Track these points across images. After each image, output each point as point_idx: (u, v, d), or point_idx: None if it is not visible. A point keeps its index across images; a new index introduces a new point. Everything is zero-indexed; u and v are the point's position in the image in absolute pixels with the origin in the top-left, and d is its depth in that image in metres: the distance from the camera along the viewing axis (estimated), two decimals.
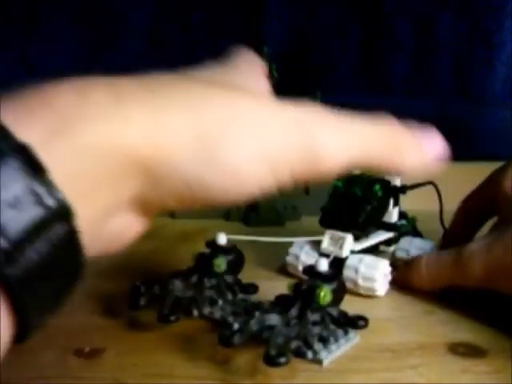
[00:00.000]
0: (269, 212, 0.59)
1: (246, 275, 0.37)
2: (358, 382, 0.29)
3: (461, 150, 0.68)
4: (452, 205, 0.44)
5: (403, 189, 0.43)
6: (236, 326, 0.29)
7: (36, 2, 0.60)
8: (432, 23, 0.63)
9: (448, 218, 0.44)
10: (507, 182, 0.38)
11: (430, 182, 0.43)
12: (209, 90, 0.23)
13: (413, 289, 0.39)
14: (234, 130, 0.22)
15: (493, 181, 0.40)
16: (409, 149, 0.28)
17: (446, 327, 0.34)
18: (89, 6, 0.61)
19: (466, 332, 0.33)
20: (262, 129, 0.23)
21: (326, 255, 0.37)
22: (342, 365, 0.30)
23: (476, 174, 0.40)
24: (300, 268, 0.40)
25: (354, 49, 0.64)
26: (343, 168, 0.25)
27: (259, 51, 0.61)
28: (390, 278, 0.39)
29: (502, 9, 0.62)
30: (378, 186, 0.41)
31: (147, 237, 0.27)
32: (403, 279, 0.39)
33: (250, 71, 0.28)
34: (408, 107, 0.65)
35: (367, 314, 0.36)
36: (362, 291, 0.38)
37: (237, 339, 0.28)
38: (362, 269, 0.38)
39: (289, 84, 0.63)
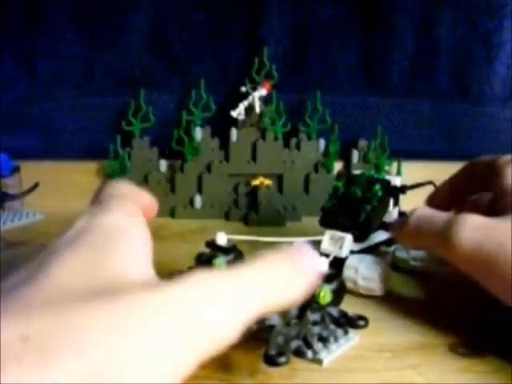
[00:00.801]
0: (269, 212, 0.59)
1: None
2: (358, 381, 0.29)
3: (461, 150, 0.69)
4: None
5: (403, 189, 0.43)
6: None
7: (36, 2, 0.60)
8: (432, 23, 0.63)
9: None
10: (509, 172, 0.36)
11: (430, 182, 0.43)
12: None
13: (399, 241, 0.38)
14: (126, 359, 0.19)
15: (496, 167, 0.38)
16: (298, 278, 0.26)
17: (446, 327, 0.34)
18: (89, 5, 0.61)
19: (465, 332, 0.33)
20: (140, 336, 0.20)
21: (326, 255, 0.38)
22: (342, 365, 0.30)
23: None
24: None
25: (354, 49, 0.63)
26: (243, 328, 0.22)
27: (259, 51, 0.61)
28: (389, 277, 0.40)
29: (502, 9, 0.62)
30: (378, 186, 0.41)
31: None
32: (393, 228, 0.39)
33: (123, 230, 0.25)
34: (408, 107, 0.66)
35: (367, 314, 0.36)
36: (361, 291, 0.38)
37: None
38: (362, 269, 0.38)
39: (289, 84, 0.64)
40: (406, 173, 0.62)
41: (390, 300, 0.39)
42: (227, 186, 0.61)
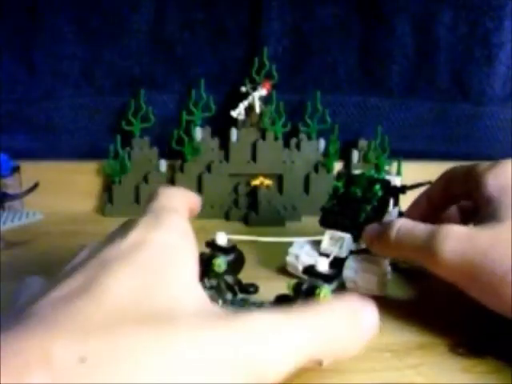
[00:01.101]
0: (269, 212, 0.59)
1: (247, 275, 0.37)
2: (358, 381, 0.29)
3: (461, 150, 0.69)
4: None
5: (403, 189, 0.43)
6: None
7: (36, 2, 0.60)
8: (432, 23, 0.63)
9: None
10: (492, 180, 0.35)
11: (430, 182, 0.43)
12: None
13: (376, 252, 0.37)
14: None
15: (474, 175, 0.37)
16: (357, 333, 0.26)
17: (446, 327, 0.34)
18: (89, 5, 0.60)
19: (465, 332, 0.33)
20: (194, 363, 0.20)
21: (326, 255, 0.38)
22: (342, 365, 0.30)
23: None
24: (300, 268, 0.40)
25: (354, 49, 0.63)
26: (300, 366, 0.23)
27: (259, 51, 0.61)
28: (389, 277, 0.40)
29: (502, 9, 0.62)
30: (377, 186, 0.41)
31: None
32: (370, 239, 0.37)
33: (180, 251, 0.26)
34: (408, 107, 0.66)
35: None
36: (361, 291, 0.38)
37: None
38: (362, 269, 0.38)
39: (289, 84, 0.64)
40: (406, 173, 0.62)
41: (390, 300, 0.39)
42: (227, 186, 0.61)
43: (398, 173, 0.62)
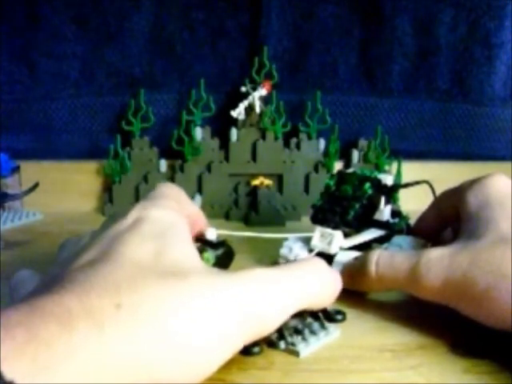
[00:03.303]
0: (269, 212, 0.59)
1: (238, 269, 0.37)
2: (357, 381, 0.29)
3: (461, 150, 0.69)
4: None
5: (395, 187, 0.43)
6: None
7: (36, 2, 0.60)
8: (432, 23, 0.63)
9: None
10: (472, 197, 0.36)
11: (425, 181, 0.43)
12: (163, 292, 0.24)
13: (358, 289, 0.37)
14: (183, 310, 0.24)
15: (458, 194, 0.38)
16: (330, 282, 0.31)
17: (446, 327, 0.34)
18: (89, 5, 0.60)
19: (466, 332, 0.33)
20: (207, 308, 0.24)
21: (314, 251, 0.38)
22: (342, 365, 0.30)
23: (475, 173, 0.40)
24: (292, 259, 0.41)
25: (354, 49, 0.63)
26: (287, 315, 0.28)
27: (259, 51, 0.61)
28: None
29: (502, 9, 0.62)
30: (368, 185, 0.41)
31: None
32: (349, 277, 0.36)
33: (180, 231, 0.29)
34: (408, 107, 0.66)
35: (367, 314, 0.36)
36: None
37: None
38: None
39: (289, 84, 0.64)
40: (406, 173, 0.62)
41: (390, 300, 0.39)
42: (227, 185, 0.61)
43: (398, 173, 0.62)
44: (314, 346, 0.31)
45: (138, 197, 0.61)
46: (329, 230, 0.40)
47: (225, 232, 0.39)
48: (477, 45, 0.63)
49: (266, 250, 0.45)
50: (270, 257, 0.44)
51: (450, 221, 0.40)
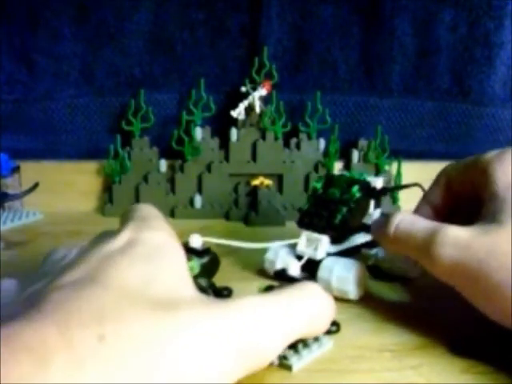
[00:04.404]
0: (269, 212, 0.59)
1: (224, 278, 0.37)
2: (357, 382, 0.29)
3: (461, 150, 0.69)
4: None
5: (384, 191, 0.42)
6: None
7: (36, 2, 0.60)
8: (432, 23, 0.63)
9: None
10: (500, 173, 0.33)
11: (416, 184, 0.41)
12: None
13: (380, 245, 0.37)
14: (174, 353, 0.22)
15: (479, 168, 0.35)
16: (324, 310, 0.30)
17: (446, 327, 0.34)
18: (89, 5, 0.60)
19: (465, 332, 0.33)
20: (199, 343, 0.23)
21: (302, 257, 0.37)
22: (342, 365, 0.30)
23: None
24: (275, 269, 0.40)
25: (354, 49, 0.63)
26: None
27: (259, 51, 0.61)
28: (365, 281, 0.38)
29: (502, 9, 0.62)
30: (355, 188, 0.40)
31: None
32: (374, 232, 0.37)
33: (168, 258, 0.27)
34: (408, 107, 0.66)
35: (367, 315, 0.36)
36: (335, 293, 0.36)
37: None
38: (336, 270, 0.37)
39: (289, 84, 0.64)
40: (407, 173, 0.62)
41: (390, 300, 0.39)
42: (227, 186, 0.61)
43: (398, 173, 0.62)
44: (306, 358, 0.30)
45: (138, 197, 0.61)
46: (315, 235, 0.39)
47: (208, 239, 0.38)
48: (477, 45, 0.63)
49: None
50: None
51: (461, 200, 0.37)
